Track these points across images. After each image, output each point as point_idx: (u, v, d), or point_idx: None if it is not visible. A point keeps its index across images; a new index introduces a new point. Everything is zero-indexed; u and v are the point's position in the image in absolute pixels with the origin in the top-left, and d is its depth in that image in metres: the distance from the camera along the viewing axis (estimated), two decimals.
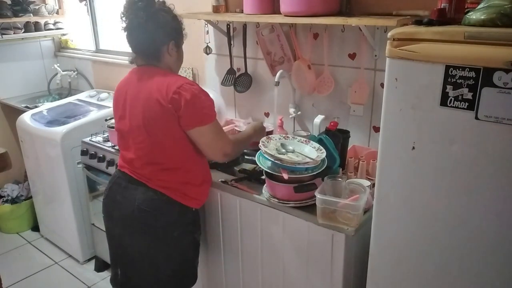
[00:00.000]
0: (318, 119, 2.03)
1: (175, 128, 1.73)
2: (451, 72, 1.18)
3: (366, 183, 1.76)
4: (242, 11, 2.29)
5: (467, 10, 1.30)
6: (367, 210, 1.68)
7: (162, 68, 1.81)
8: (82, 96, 3.49)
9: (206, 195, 1.98)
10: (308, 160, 1.75)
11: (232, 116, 2.73)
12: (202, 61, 2.78)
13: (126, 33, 1.79)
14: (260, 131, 2.05)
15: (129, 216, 1.84)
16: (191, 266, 2.02)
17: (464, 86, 1.16)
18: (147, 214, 1.82)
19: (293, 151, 1.84)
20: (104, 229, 1.98)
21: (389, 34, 1.27)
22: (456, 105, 1.19)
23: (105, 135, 2.73)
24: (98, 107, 3.20)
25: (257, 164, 1.85)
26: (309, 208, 1.72)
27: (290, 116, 2.38)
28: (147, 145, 1.79)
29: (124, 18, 1.76)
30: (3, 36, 3.50)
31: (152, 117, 1.72)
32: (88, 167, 2.75)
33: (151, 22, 1.73)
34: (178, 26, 1.84)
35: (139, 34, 1.76)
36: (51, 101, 3.55)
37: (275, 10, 2.16)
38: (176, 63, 1.88)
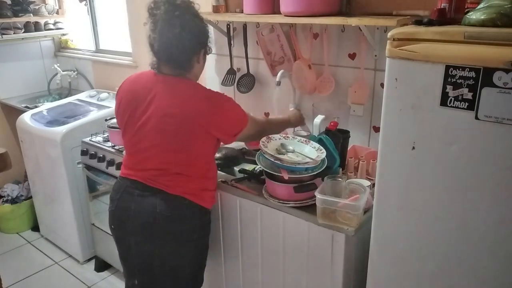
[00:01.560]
0: (318, 119, 2.03)
1: (209, 144, 1.76)
2: (451, 72, 1.18)
3: (366, 183, 1.76)
4: (242, 11, 2.29)
5: (467, 10, 1.30)
6: (367, 210, 1.68)
7: (188, 78, 1.77)
8: (82, 96, 3.49)
9: (215, 198, 2.01)
10: (308, 160, 1.75)
11: None
12: None
13: (152, 39, 1.68)
14: (296, 120, 2.15)
15: (150, 223, 1.79)
16: (203, 267, 2.04)
17: (464, 86, 1.16)
18: (170, 220, 1.79)
19: (293, 151, 1.84)
20: (103, 229, 1.96)
21: (389, 34, 1.27)
22: (456, 105, 1.19)
23: (105, 135, 2.73)
24: (98, 107, 3.20)
25: (257, 164, 1.85)
26: (309, 208, 1.72)
27: None
28: (175, 159, 1.76)
29: (154, 25, 1.66)
30: (3, 36, 3.50)
31: (190, 136, 1.70)
32: (88, 167, 2.75)
33: (186, 31, 1.65)
34: (207, 32, 1.78)
35: (172, 44, 1.66)
36: (51, 101, 3.55)
37: (275, 10, 2.16)
38: (200, 71, 1.86)
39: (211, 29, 2.53)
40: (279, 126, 2.07)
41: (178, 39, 1.65)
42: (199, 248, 1.93)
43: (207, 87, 1.86)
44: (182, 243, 1.85)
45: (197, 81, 1.85)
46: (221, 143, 1.83)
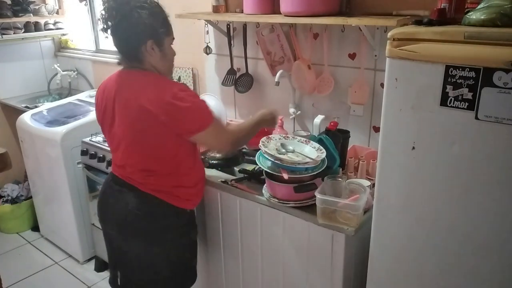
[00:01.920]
0: (318, 119, 2.03)
1: (168, 138, 1.70)
2: (451, 72, 1.18)
3: (366, 183, 1.76)
4: (242, 11, 2.29)
5: (467, 10, 1.30)
6: (367, 210, 1.68)
7: (147, 70, 1.74)
8: (82, 96, 3.49)
9: (201, 195, 1.98)
10: (308, 160, 1.75)
11: (232, 117, 2.73)
12: (202, 61, 2.78)
13: (107, 34, 1.73)
14: (269, 119, 1.97)
15: (122, 220, 1.82)
16: (190, 266, 2.02)
17: (464, 86, 1.16)
18: (140, 218, 1.80)
19: (293, 151, 1.84)
20: None
21: (389, 34, 1.27)
22: (456, 105, 1.19)
23: None
24: None
25: (257, 164, 1.85)
26: (309, 208, 1.72)
27: (290, 116, 2.38)
28: (139, 154, 1.76)
29: (101, 20, 1.70)
30: (3, 36, 3.50)
31: (144, 128, 1.68)
32: (88, 167, 2.75)
33: (125, 21, 1.65)
34: (157, 23, 1.70)
35: (116, 36, 1.70)
36: (51, 101, 3.55)
37: (275, 10, 2.16)
38: (161, 62, 1.76)
39: (211, 29, 2.56)
40: (251, 130, 1.89)
41: (118, 30, 1.68)
42: (178, 248, 1.91)
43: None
44: (154, 242, 1.84)
45: (169, 74, 1.86)
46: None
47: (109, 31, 1.70)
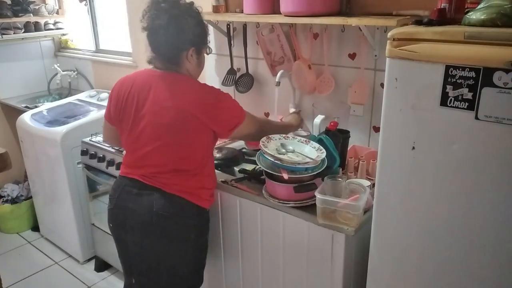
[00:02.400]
0: (318, 119, 2.03)
1: (206, 138, 1.77)
2: (451, 72, 1.18)
3: (366, 183, 1.76)
4: (242, 11, 2.29)
5: (467, 10, 1.30)
6: (367, 210, 1.68)
7: (183, 74, 1.78)
8: (82, 96, 3.49)
9: (214, 196, 2.00)
10: (308, 160, 1.75)
11: None
12: None
13: (146, 33, 1.73)
14: (298, 124, 2.24)
15: (147, 222, 1.80)
16: (202, 266, 2.04)
17: (464, 86, 1.16)
18: (167, 219, 1.79)
19: (293, 151, 1.84)
20: (103, 229, 1.96)
21: (389, 34, 1.27)
22: (456, 105, 1.19)
23: None
24: (98, 107, 3.20)
25: (257, 164, 1.85)
26: (309, 208, 1.72)
27: None
28: (172, 154, 1.77)
29: (145, 18, 1.71)
30: (3, 36, 3.50)
31: (185, 130, 1.72)
32: (88, 167, 2.75)
33: (173, 25, 1.67)
34: (202, 32, 1.78)
35: (159, 37, 1.70)
36: (51, 101, 3.55)
37: (275, 10, 2.16)
38: (195, 69, 1.84)
39: (211, 29, 2.55)
40: (280, 129, 2.03)
41: (164, 32, 1.68)
42: (196, 247, 1.93)
43: None
44: (179, 243, 1.85)
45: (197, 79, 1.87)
46: (219, 139, 1.86)
47: (151, 30, 1.71)
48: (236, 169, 2.18)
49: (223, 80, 2.60)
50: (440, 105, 1.22)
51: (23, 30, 3.65)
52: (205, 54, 1.86)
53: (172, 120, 1.71)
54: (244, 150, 2.34)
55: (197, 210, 1.85)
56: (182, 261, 1.89)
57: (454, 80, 1.18)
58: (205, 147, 1.81)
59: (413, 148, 1.31)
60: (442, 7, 1.35)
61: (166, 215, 1.79)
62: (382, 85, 1.97)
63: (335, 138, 1.91)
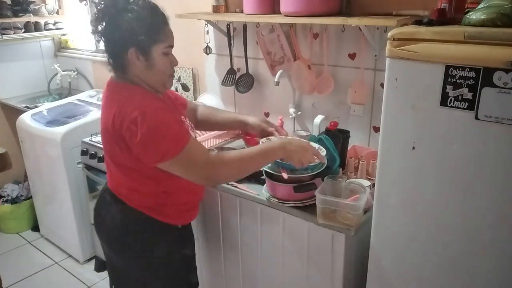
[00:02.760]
0: (318, 119, 2.03)
1: (138, 160, 1.54)
2: (451, 72, 1.18)
3: (366, 183, 1.76)
4: (242, 11, 2.29)
5: (467, 10, 1.30)
6: (367, 210, 1.68)
7: (132, 81, 1.57)
8: (82, 96, 3.49)
9: (195, 211, 1.86)
10: None
11: None
12: (202, 61, 2.78)
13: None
14: (292, 153, 1.59)
15: (110, 234, 1.76)
16: (185, 282, 1.88)
17: (464, 86, 1.17)
18: (126, 234, 1.71)
19: None
20: None
21: (389, 34, 1.27)
22: (456, 105, 1.19)
23: None
24: (98, 107, 3.19)
25: None
26: (309, 208, 1.72)
27: (290, 116, 2.38)
28: (115, 171, 1.67)
29: (91, 21, 1.56)
30: (3, 36, 3.49)
31: (114, 150, 1.58)
32: (88, 167, 2.75)
33: (110, 26, 1.50)
34: (141, 28, 1.48)
35: (103, 41, 1.55)
36: (51, 101, 3.54)
37: (275, 10, 2.16)
38: (147, 73, 1.56)
39: (211, 29, 2.55)
40: (253, 162, 1.62)
41: (104, 35, 1.53)
42: (168, 264, 1.77)
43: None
44: (141, 259, 1.73)
45: (161, 87, 1.63)
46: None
47: (95, 36, 1.57)
48: None
49: (223, 80, 2.60)
50: (440, 105, 1.22)
51: (23, 30, 3.65)
52: (162, 53, 1.55)
53: (104, 137, 1.61)
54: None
55: (160, 227, 1.70)
56: (151, 278, 1.76)
57: (454, 80, 1.18)
58: (146, 170, 1.57)
59: (413, 148, 1.31)
60: (442, 7, 1.35)
61: (125, 229, 1.71)
62: (382, 85, 1.97)
63: (335, 138, 1.91)
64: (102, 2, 1.53)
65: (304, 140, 1.72)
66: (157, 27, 1.53)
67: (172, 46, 1.59)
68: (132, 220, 1.69)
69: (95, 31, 1.54)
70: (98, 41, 1.62)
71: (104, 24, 1.51)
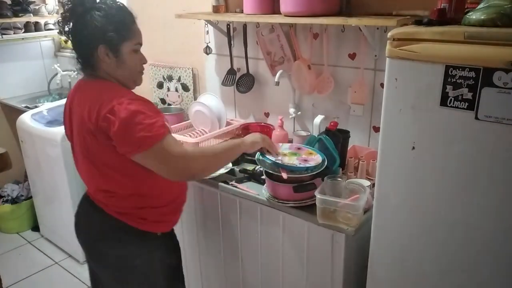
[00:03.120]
0: (318, 119, 2.03)
1: (116, 157, 1.50)
2: (451, 72, 1.18)
3: (366, 183, 1.76)
4: (242, 11, 2.29)
5: (467, 10, 1.30)
6: (367, 210, 1.68)
7: (103, 78, 1.57)
8: None
9: (177, 214, 1.79)
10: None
11: (232, 117, 2.72)
12: (202, 61, 2.78)
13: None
14: (251, 144, 1.72)
15: (89, 243, 1.72)
16: None
17: (464, 86, 1.16)
18: (102, 243, 1.66)
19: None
20: None
21: (389, 34, 1.27)
22: (456, 105, 1.19)
23: None
24: None
25: (257, 164, 1.84)
26: (309, 208, 1.72)
27: (290, 116, 2.38)
28: (93, 173, 1.60)
29: (58, 21, 1.59)
30: (3, 36, 3.50)
31: (89, 147, 1.54)
32: None
33: (77, 25, 1.52)
34: (110, 25, 1.51)
35: (71, 40, 1.57)
36: (51, 101, 3.55)
37: (275, 10, 2.16)
38: (118, 70, 1.57)
39: (211, 29, 2.55)
40: (223, 156, 1.66)
41: (71, 34, 1.55)
42: (149, 275, 1.71)
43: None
44: (120, 269, 1.69)
45: (132, 83, 1.64)
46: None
47: (64, 35, 1.58)
48: (237, 169, 2.18)
49: (223, 80, 2.60)
50: (440, 105, 1.22)
51: (23, 30, 3.65)
52: (131, 50, 1.58)
53: (82, 136, 1.55)
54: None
55: (137, 235, 1.64)
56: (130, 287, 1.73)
57: (454, 80, 1.18)
58: (128, 166, 1.53)
59: (413, 148, 1.31)
60: (442, 7, 1.35)
61: (101, 238, 1.66)
62: (382, 85, 1.97)
63: (335, 138, 1.91)
64: (69, 2, 1.54)
65: (260, 135, 1.78)
66: (125, 24, 1.56)
67: (141, 44, 1.63)
68: (109, 228, 1.65)
69: (62, 31, 1.56)
70: (66, 41, 1.61)
71: (72, 23, 1.52)
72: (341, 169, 1.89)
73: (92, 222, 1.69)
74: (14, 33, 3.58)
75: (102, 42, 1.51)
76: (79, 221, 1.77)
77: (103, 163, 1.55)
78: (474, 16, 1.21)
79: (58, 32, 1.58)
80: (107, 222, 1.64)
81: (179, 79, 2.91)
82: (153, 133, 1.44)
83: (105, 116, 1.43)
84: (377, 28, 1.95)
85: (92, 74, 1.59)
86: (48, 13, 3.77)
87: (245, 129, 2.44)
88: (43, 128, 2.96)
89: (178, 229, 1.93)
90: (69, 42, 1.61)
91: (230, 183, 1.98)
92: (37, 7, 3.69)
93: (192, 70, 2.86)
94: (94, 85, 1.57)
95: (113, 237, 1.65)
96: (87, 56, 1.55)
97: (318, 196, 1.61)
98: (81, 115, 1.52)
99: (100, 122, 1.45)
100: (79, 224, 1.77)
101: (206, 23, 2.53)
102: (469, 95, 1.16)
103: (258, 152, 1.81)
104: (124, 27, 1.55)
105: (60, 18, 1.56)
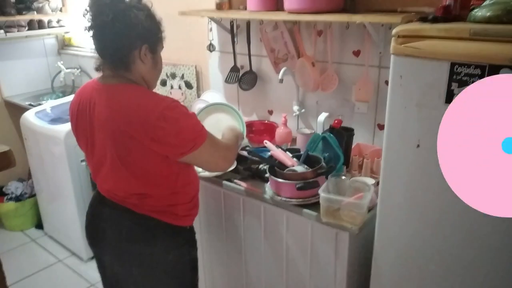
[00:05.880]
0: (322, 116, 2.02)
1: (157, 161, 1.51)
2: (456, 69, 1.17)
3: (371, 181, 1.76)
4: (245, 8, 2.29)
5: (472, 7, 1.29)
6: (371, 208, 1.67)
7: (132, 81, 1.53)
8: None
9: (198, 206, 1.81)
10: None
11: None
12: (206, 59, 2.78)
13: (90, 33, 1.49)
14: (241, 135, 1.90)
15: (117, 247, 1.66)
16: (191, 286, 1.83)
17: (470, 83, 1.16)
18: (137, 243, 1.63)
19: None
20: None
21: (394, 31, 1.26)
22: None
23: None
24: None
25: (261, 163, 1.84)
26: (313, 206, 1.72)
27: (294, 114, 2.38)
28: (126, 178, 1.56)
29: (87, 16, 1.47)
30: (7, 34, 3.50)
31: (129, 154, 1.50)
32: None
33: (119, 21, 1.43)
34: (154, 27, 1.53)
35: (104, 36, 1.47)
36: (55, 99, 3.56)
37: (279, 7, 2.15)
38: (151, 72, 1.58)
39: (214, 26, 2.55)
40: (234, 142, 1.79)
41: (109, 29, 1.44)
42: (179, 268, 1.72)
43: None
44: (155, 267, 1.67)
45: (153, 86, 1.65)
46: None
47: (94, 29, 1.48)
48: (240, 167, 2.17)
49: (227, 78, 2.60)
50: (445, 102, 1.21)
51: (26, 28, 3.65)
52: (160, 52, 1.61)
53: (115, 142, 1.50)
54: (248, 148, 2.33)
55: (171, 230, 1.67)
56: (162, 285, 1.72)
57: (460, 77, 1.17)
58: (165, 168, 1.55)
59: (418, 146, 1.30)
60: (447, 4, 1.35)
61: (136, 239, 1.63)
62: (386, 82, 1.95)
63: (339, 136, 1.90)
64: None
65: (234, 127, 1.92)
66: (160, 28, 1.58)
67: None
68: (141, 228, 1.63)
69: (94, 26, 1.47)
70: (91, 37, 1.50)
71: (110, 18, 1.43)
72: (345, 167, 1.89)
73: (122, 224, 1.64)
74: (17, 31, 3.59)
75: (146, 41, 1.51)
76: (99, 226, 1.71)
77: (141, 167, 1.53)
78: (479, 12, 1.20)
79: (85, 28, 1.49)
80: (138, 222, 1.63)
81: (182, 77, 2.91)
82: (200, 132, 1.52)
83: (156, 124, 1.42)
84: (382, 25, 1.94)
85: (120, 76, 1.53)
86: (52, 11, 3.76)
87: (249, 127, 2.44)
88: (46, 126, 2.97)
89: None
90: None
91: (233, 181, 1.98)
92: (40, 5, 3.69)
93: (196, 68, 2.86)
94: (125, 90, 1.51)
95: (146, 236, 1.64)
96: (125, 55, 1.50)
97: (322, 194, 1.60)
98: (116, 121, 1.47)
99: (149, 129, 1.43)
100: (99, 229, 1.71)
101: (209, 20, 2.52)
102: None
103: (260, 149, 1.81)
104: (160, 29, 1.58)
105: (92, 12, 1.46)
